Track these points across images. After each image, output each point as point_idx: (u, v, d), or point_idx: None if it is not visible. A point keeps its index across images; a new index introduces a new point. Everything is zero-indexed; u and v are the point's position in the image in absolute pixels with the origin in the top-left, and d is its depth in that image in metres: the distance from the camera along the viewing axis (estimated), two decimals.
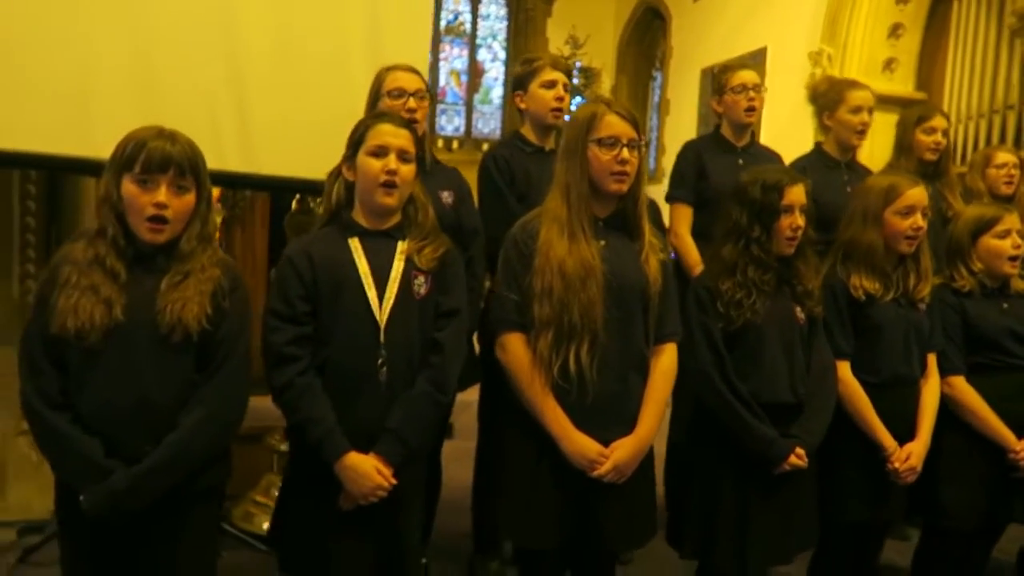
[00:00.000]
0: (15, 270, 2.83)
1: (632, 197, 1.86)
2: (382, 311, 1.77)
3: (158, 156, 1.57)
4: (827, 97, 3.01)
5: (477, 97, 9.54)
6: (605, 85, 9.08)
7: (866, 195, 2.19)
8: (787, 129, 5.83)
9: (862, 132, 2.91)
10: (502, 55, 9.63)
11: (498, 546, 2.75)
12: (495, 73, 9.64)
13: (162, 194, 1.57)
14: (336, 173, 1.88)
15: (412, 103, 2.25)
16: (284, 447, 3.00)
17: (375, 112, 1.94)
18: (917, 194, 2.13)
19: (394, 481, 1.74)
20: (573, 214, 1.81)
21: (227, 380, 1.65)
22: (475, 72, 9.51)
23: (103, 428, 1.58)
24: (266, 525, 2.87)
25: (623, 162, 1.80)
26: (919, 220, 2.12)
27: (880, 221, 2.15)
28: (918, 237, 2.15)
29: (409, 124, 1.86)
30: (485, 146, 8.96)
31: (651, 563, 2.68)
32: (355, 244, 1.81)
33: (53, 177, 2.88)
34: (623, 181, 1.82)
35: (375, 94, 2.30)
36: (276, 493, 2.91)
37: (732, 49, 7.14)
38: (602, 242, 1.84)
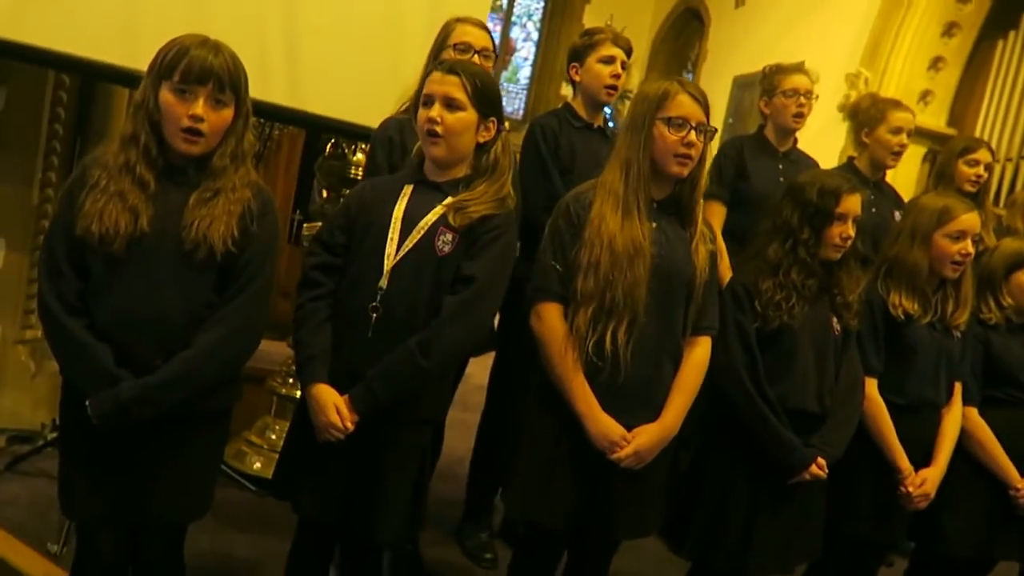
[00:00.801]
0: (36, 176, 2.76)
1: (691, 182, 1.82)
2: (394, 257, 1.73)
3: (198, 66, 1.52)
4: (868, 114, 2.98)
5: (504, 75, 9.43)
6: (635, 79, 8.99)
7: (918, 214, 2.16)
8: (814, 147, 5.78)
9: (898, 153, 2.88)
10: (535, 36, 9.52)
11: (488, 517, 2.73)
12: (525, 53, 9.53)
13: (199, 106, 1.52)
14: None
15: (476, 60, 2.20)
16: (284, 391, 2.98)
17: (437, 60, 1.89)
18: (970, 220, 2.11)
19: (351, 426, 1.71)
20: (630, 191, 1.77)
21: (248, 303, 1.61)
22: (506, 49, 9.40)
23: (117, 337, 1.55)
24: (257, 465, 2.86)
25: (689, 145, 1.76)
26: (968, 246, 2.10)
27: (929, 242, 2.12)
28: (964, 263, 2.12)
29: (468, 70, 1.77)
30: (507, 125, 8.86)
31: (636, 554, 2.67)
32: (407, 190, 1.79)
33: (86, 87, 2.81)
34: (686, 165, 1.78)
35: (440, 44, 2.23)
36: (271, 436, 2.92)
37: (768, 60, 7.01)
38: (654, 224, 1.80)
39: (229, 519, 2.54)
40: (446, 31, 2.25)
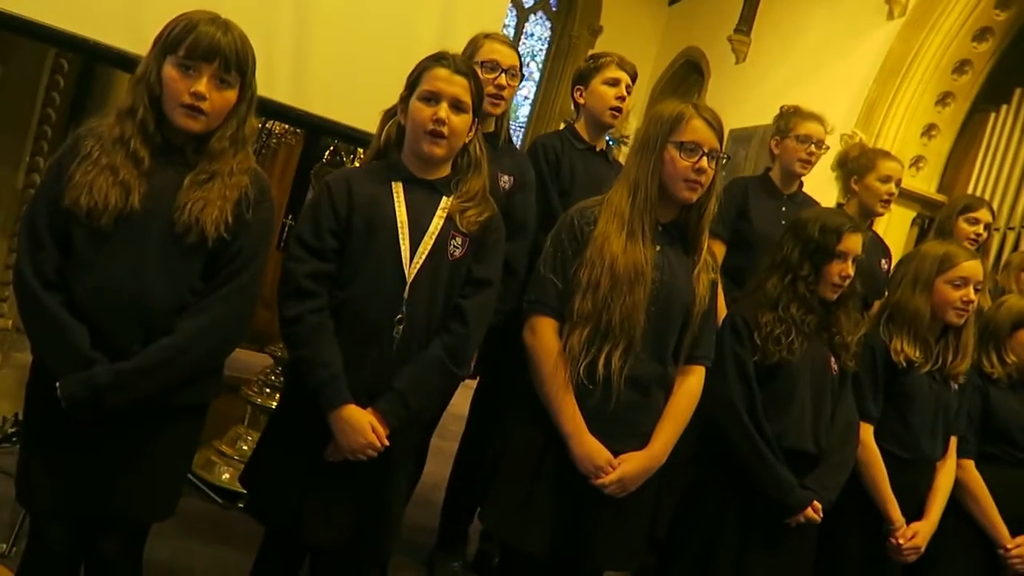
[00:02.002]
0: (24, 159, 2.69)
1: (699, 208, 1.78)
2: (412, 265, 1.66)
3: (205, 43, 1.47)
4: (858, 162, 2.98)
5: None
6: (632, 126, 9.09)
7: (920, 261, 2.15)
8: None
9: (887, 201, 2.88)
10: (536, 76, 9.62)
11: (462, 546, 2.63)
12: (526, 92, 9.61)
13: (202, 84, 1.47)
14: (392, 112, 1.79)
15: (503, 79, 2.16)
16: (260, 400, 2.88)
17: (436, 53, 1.73)
18: (972, 267, 2.10)
19: (387, 443, 1.64)
20: (636, 213, 1.73)
21: (236, 293, 1.54)
22: None
23: (95, 317, 1.47)
24: (225, 476, 2.75)
25: (700, 171, 1.72)
26: (971, 293, 2.08)
27: (930, 288, 2.10)
28: (967, 310, 2.11)
29: (471, 71, 1.73)
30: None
31: None
32: (398, 188, 1.71)
33: (85, 73, 2.76)
34: (695, 190, 1.74)
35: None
36: (242, 446, 2.82)
37: (766, 116, 7.10)
38: (657, 248, 1.75)
39: (192, 529, 2.42)
40: (473, 46, 2.20)
